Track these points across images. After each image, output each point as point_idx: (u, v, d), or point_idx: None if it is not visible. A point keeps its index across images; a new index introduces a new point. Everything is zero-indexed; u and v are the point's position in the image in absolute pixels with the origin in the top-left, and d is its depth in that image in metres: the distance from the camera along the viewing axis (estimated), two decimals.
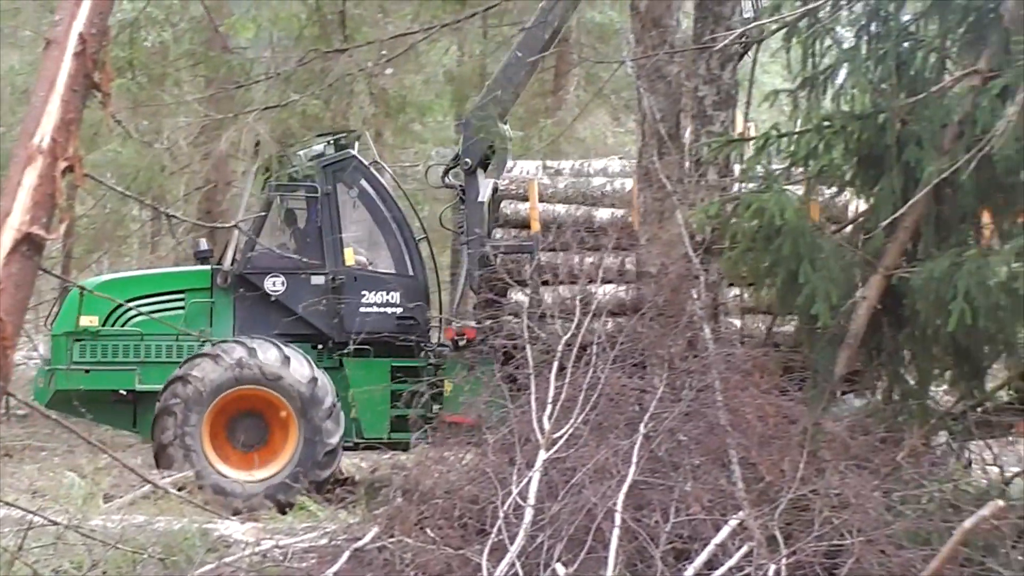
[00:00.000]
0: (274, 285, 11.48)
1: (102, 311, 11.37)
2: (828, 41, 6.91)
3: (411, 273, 11.81)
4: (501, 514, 6.10)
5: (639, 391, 6.82)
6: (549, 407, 6.79)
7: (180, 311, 11.59)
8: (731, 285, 8.78)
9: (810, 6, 6.54)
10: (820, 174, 6.84)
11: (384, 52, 9.54)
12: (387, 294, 11.64)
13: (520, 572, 5.67)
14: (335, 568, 6.42)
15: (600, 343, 7.15)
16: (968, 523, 4.47)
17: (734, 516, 5.80)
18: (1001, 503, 5.33)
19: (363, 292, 11.52)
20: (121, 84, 10.95)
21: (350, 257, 11.72)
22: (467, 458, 7.12)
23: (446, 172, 12.01)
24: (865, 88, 6.78)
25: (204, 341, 11.23)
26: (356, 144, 12.34)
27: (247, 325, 11.46)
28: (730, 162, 8.25)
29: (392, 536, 6.68)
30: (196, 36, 13.21)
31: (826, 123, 6.72)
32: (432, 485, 6.92)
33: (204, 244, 12.28)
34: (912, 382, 6.99)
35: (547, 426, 6.62)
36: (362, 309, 11.44)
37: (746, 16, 8.78)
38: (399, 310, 11.56)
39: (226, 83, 11.06)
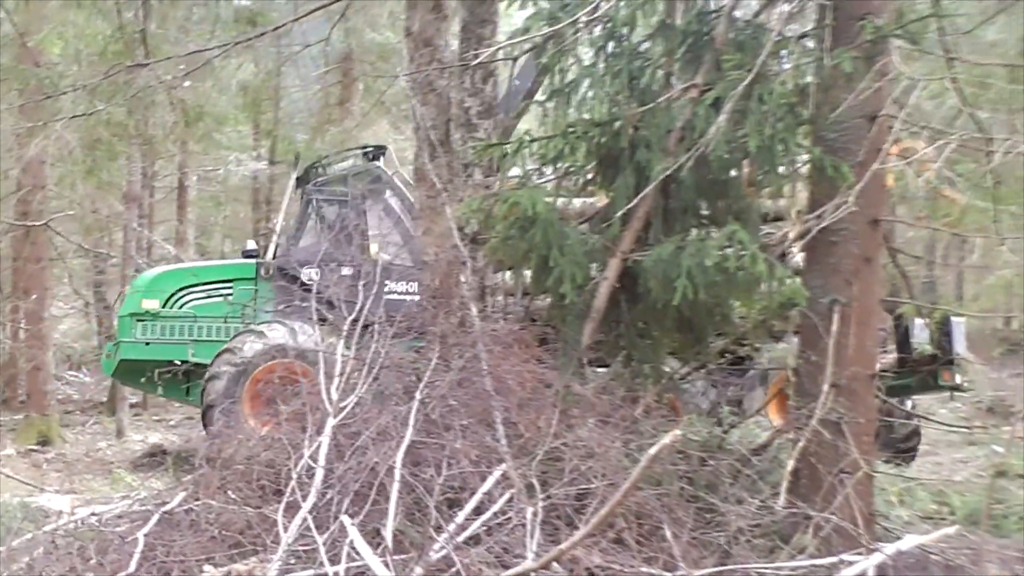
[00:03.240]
0: (309, 275, 11.97)
1: (162, 296, 12.11)
2: (571, 59, 6.96)
3: None
4: (294, 476, 5.99)
5: (415, 363, 6.80)
6: (337, 379, 6.70)
7: (228, 297, 12.27)
8: (496, 270, 8.83)
9: (555, 28, 6.56)
10: (567, 173, 6.91)
11: (182, 67, 9.28)
12: (406, 284, 12.03)
13: (312, 525, 5.56)
14: (145, 530, 6.16)
15: (380, 322, 7.09)
16: (652, 450, 4.56)
17: (498, 468, 5.82)
18: (679, 433, 5.44)
19: (386, 282, 11.65)
20: None
21: (374, 252, 12.25)
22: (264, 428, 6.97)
23: None
24: (602, 99, 6.84)
25: (248, 322, 11.79)
26: (382, 157, 12.97)
27: (286, 310, 11.81)
28: (493, 164, 8.26)
29: (198, 499, 6.49)
30: (6, 51, 12.63)
31: (570, 129, 6.76)
32: (233, 452, 6.75)
33: (251, 244, 13.04)
34: (647, 349, 7.12)
35: (335, 396, 6.53)
36: (385, 296, 11.35)
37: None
38: (416, 297, 11.58)
39: (35, 94, 10.67)
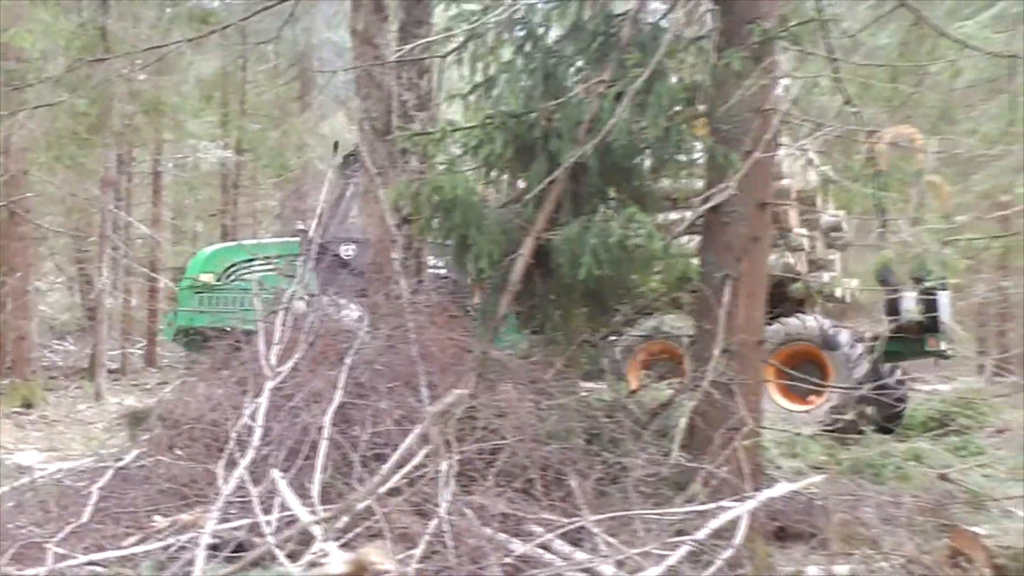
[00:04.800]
0: (347, 252, 11.82)
1: (217, 270, 12.14)
2: (491, 56, 6.96)
3: None
4: (234, 434, 5.98)
5: (347, 331, 6.79)
6: (275, 347, 6.68)
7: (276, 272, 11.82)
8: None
9: (475, 25, 6.55)
10: (486, 160, 6.90)
11: (139, 61, 9.18)
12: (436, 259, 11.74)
13: (248, 480, 5.56)
14: (100, 483, 6.13)
15: (317, 294, 7.08)
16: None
17: (418, 427, 5.84)
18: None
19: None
20: None
21: None
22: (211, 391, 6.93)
23: None
24: (519, 93, 6.85)
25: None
26: None
27: (327, 283, 11.20)
28: (427, 152, 8.24)
29: (150, 456, 6.47)
30: None
31: (489, 120, 6.77)
32: (182, 413, 6.71)
33: (300, 224, 12.75)
34: (559, 319, 7.16)
35: (273, 361, 6.52)
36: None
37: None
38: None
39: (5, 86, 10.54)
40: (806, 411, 11.34)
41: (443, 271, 10.52)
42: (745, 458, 6.34)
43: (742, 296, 6.75)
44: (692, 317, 7.18)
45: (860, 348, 11.45)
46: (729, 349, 6.62)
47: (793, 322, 11.53)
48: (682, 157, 6.77)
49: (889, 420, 11.40)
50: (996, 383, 16.96)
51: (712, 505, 5.26)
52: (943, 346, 11.88)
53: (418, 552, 4.78)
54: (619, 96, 6.42)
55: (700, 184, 7.25)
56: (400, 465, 5.58)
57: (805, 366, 11.38)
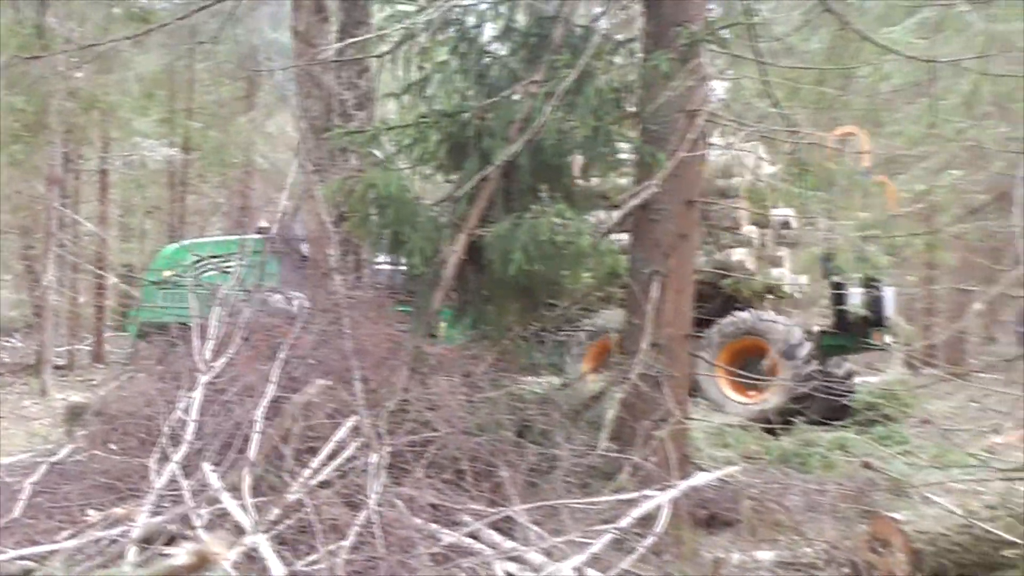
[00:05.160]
0: (307, 249, 11.17)
1: (180, 266, 11.77)
2: (424, 57, 6.92)
3: None
4: (167, 429, 5.89)
5: (281, 327, 6.72)
6: (210, 342, 6.59)
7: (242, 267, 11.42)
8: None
9: (406, 25, 6.51)
10: (420, 158, 6.87)
11: (75, 59, 9.00)
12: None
13: (180, 473, 5.48)
14: (33, 478, 6.01)
15: (251, 290, 7.00)
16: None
17: (350, 420, 5.79)
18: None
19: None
20: None
21: None
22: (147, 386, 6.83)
23: None
24: (452, 93, 6.83)
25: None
26: None
27: (289, 278, 11.01)
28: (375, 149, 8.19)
29: (85, 451, 6.36)
30: None
31: (423, 119, 6.74)
32: (119, 408, 6.61)
33: (264, 222, 12.57)
34: (491, 314, 7.15)
35: (208, 356, 6.43)
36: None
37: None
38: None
39: None
40: (753, 403, 11.43)
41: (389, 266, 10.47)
42: (672, 448, 6.40)
43: (670, 291, 6.80)
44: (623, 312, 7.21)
45: (807, 343, 11.51)
46: (657, 343, 6.66)
47: (743, 317, 11.59)
48: (611, 156, 6.77)
49: (837, 412, 11.48)
50: (923, 375, 17.24)
51: (635, 494, 5.28)
52: (887, 340, 11.99)
53: (347, 543, 4.75)
54: (549, 96, 6.41)
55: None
56: (331, 457, 5.55)
57: (753, 360, 11.46)
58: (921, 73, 8.59)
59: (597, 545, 4.78)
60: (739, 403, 11.43)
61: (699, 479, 5.32)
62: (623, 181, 7.78)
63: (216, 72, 17.12)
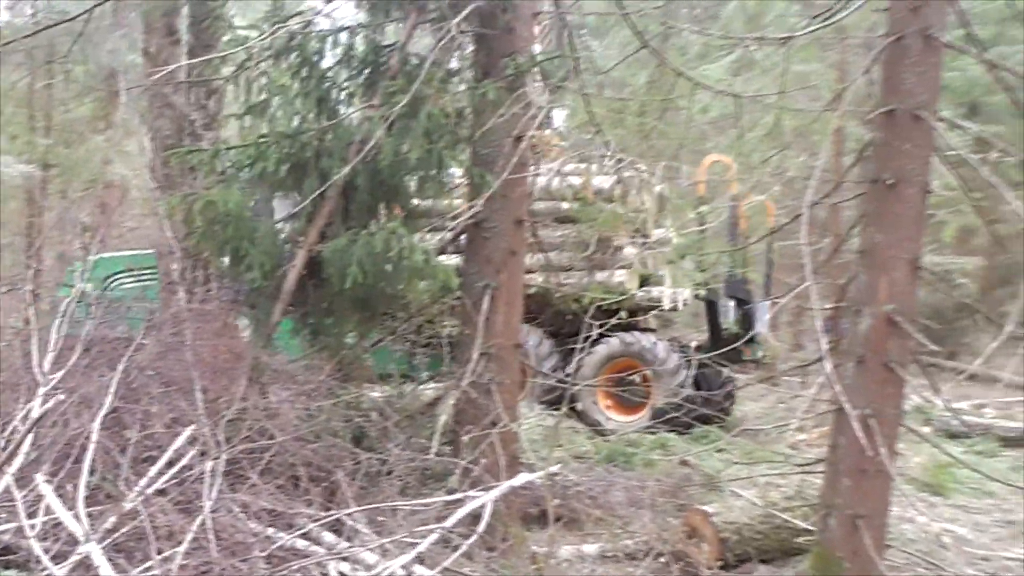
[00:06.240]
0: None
1: (96, 280, 10.46)
2: (265, 80, 6.86)
3: None
4: (2, 441, 5.64)
5: (122, 340, 6.54)
6: (49, 354, 6.35)
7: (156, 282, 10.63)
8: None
9: (245, 47, 6.45)
10: (260, 176, 6.78)
11: None
12: None
13: (13, 485, 5.25)
14: None
15: (96, 304, 6.79)
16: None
17: (188, 428, 5.67)
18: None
19: None
20: None
21: None
22: None
23: None
24: (291, 114, 6.79)
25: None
26: None
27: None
28: (215, 168, 8.04)
29: None
30: None
31: (263, 139, 6.69)
32: None
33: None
34: (330, 326, 7.12)
35: (47, 367, 6.19)
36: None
37: None
38: None
39: None
40: (633, 420, 11.42)
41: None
42: (501, 451, 6.51)
43: (501, 304, 6.93)
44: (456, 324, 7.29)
45: (679, 358, 11.49)
46: (488, 352, 6.77)
47: (622, 338, 11.43)
48: (444, 177, 6.86)
49: (719, 415, 11.59)
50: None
51: (460, 495, 5.35)
52: (759, 354, 12.12)
53: (182, 549, 4.66)
54: (386, 120, 6.46)
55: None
56: (169, 466, 5.42)
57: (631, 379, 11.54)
58: (736, 107, 9.01)
59: (424, 544, 4.82)
60: (619, 422, 11.45)
61: (521, 479, 5.43)
62: (458, 201, 7.87)
63: (74, 90, 16.44)
